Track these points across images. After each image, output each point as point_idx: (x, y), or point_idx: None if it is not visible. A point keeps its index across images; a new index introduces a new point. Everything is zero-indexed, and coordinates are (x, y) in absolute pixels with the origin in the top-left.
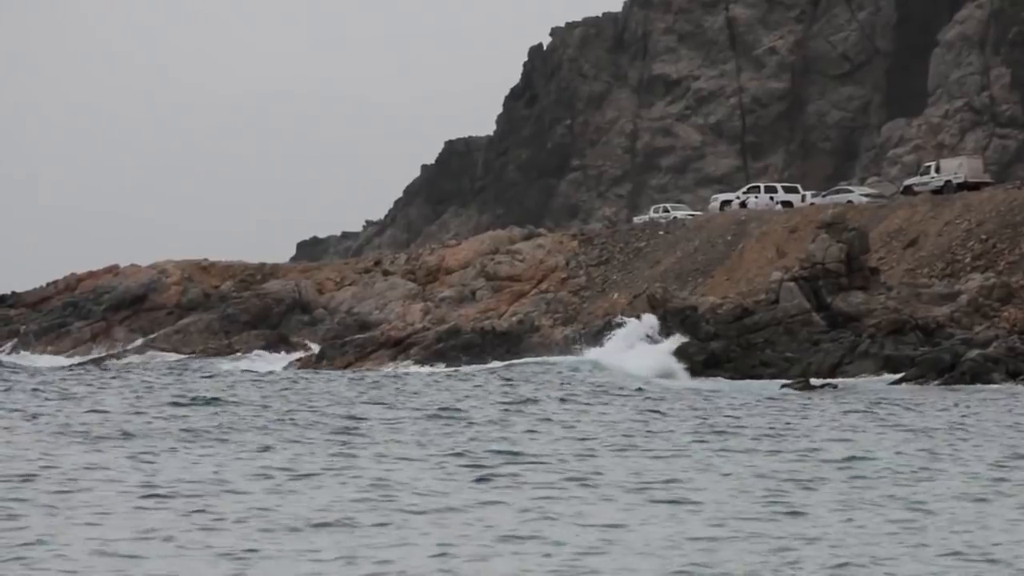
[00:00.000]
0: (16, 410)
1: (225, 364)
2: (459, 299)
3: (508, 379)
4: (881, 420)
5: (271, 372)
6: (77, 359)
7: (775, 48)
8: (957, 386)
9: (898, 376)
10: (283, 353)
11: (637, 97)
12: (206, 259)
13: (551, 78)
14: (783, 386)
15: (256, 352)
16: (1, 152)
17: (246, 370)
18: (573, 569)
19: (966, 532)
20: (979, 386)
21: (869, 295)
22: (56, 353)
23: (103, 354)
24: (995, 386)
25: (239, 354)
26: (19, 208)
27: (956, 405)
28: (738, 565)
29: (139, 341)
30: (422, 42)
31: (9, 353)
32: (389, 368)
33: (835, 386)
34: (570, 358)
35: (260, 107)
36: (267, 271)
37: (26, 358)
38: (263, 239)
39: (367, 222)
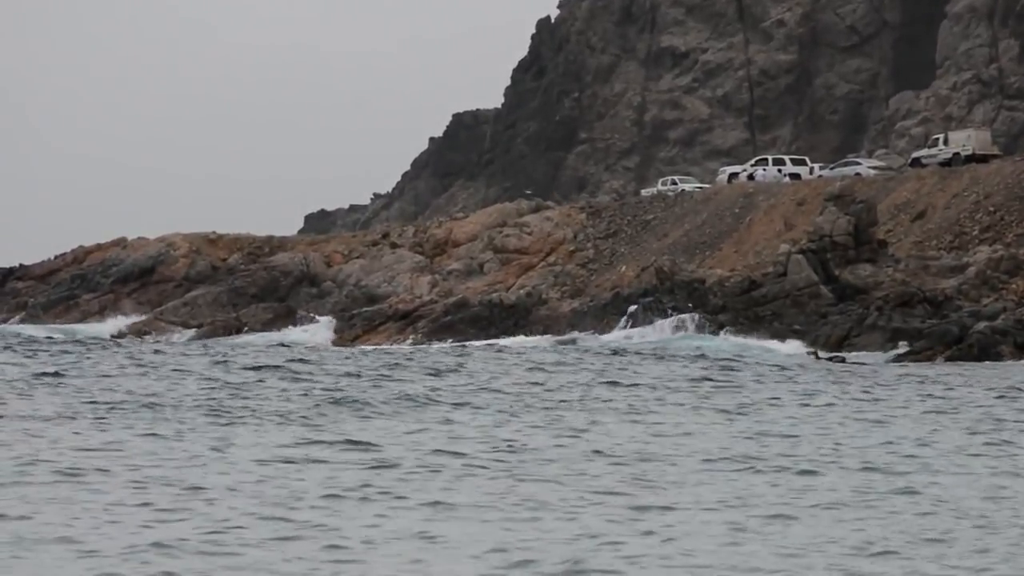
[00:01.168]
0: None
1: (249, 337)
2: (467, 272)
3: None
4: None
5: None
6: (110, 325)
7: (783, 20)
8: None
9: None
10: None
11: (645, 70)
12: (214, 232)
13: (559, 51)
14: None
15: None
16: (9, 125)
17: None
18: None
19: None
20: None
21: (877, 268)
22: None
23: (120, 327)
24: None
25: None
26: (27, 180)
27: None
28: None
29: (147, 314)
30: (430, 15)
31: (19, 324)
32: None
33: (843, 359)
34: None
35: (268, 80)
36: (275, 244)
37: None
38: (271, 212)
39: (375, 195)
